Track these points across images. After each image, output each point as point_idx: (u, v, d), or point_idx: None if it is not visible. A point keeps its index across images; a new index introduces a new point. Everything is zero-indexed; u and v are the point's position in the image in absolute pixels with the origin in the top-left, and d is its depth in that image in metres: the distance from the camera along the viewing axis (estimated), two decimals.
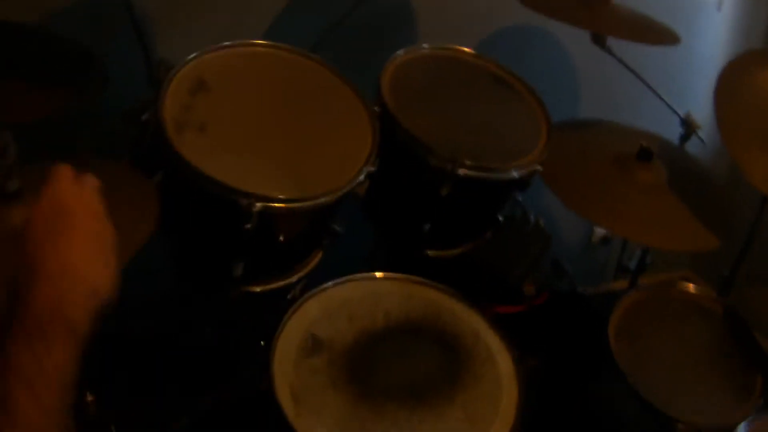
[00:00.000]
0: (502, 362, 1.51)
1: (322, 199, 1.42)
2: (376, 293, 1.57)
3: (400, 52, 1.81)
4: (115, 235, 0.85)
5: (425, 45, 1.89)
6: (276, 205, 1.38)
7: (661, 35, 2.04)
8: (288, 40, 1.70)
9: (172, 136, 1.41)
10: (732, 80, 1.86)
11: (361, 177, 1.47)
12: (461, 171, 1.59)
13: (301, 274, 1.61)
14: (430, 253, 1.78)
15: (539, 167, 1.70)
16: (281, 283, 1.59)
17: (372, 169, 1.49)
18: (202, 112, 1.49)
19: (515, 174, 1.66)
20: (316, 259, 1.64)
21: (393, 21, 2.18)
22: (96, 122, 1.77)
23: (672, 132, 2.11)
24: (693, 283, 1.97)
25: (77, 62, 1.66)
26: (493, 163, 1.65)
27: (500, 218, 1.82)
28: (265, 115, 1.56)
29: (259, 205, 1.36)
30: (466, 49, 1.94)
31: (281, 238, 1.50)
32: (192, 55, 1.56)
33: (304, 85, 1.65)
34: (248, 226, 1.38)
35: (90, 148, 1.78)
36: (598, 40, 2.03)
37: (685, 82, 2.82)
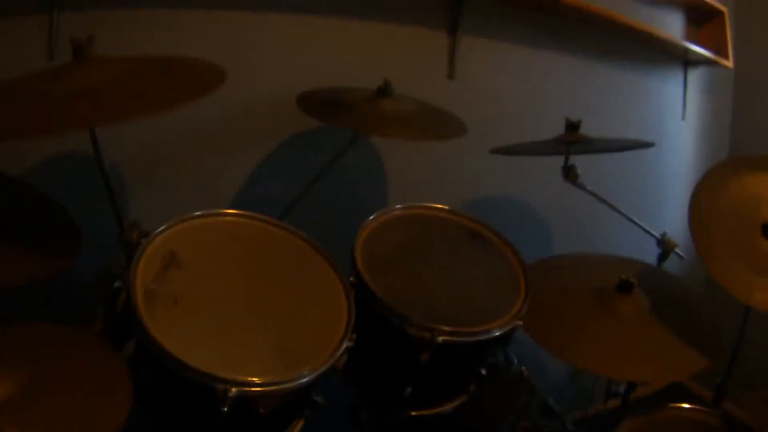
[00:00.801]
0: None
1: (302, 380, 1.39)
2: None
3: (372, 217, 1.82)
4: None
5: (396, 206, 1.89)
6: (253, 389, 1.35)
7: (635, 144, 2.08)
8: (258, 207, 1.70)
9: (143, 311, 1.38)
10: (704, 194, 1.90)
11: (340, 353, 1.45)
12: (440, 338, 1.57)
13: None
14: (413, 413, 1.74)
15: (520, 323, 1.68)
16: None
17: (350, 344, 1.47)
18: (175, 285, 1.47)
19: (496, 333, 1.65)
20: (297, 428, 1.58)
21: (363, 184, 2.20)
22: (68, 282, 1.73)
23: (650, 251, 2.12)
24: (687, 388, 1.93)
25: (52, 220, 1.65)
26: (472, 326, 1.63)
27: (483, 371, 1.78)
28: (239, 289, 1.54)
29: (234, 390, 1.32)
30: (438, 206, 1.95)
31: (260, 414, 1.45)
32: (162, 227, 1.55)
33: (276, 256, 1.64)
34: (224, 409, 1.33)
35: (62, 309, 1.74)
36: (569, 175, 2.06)
37: (657, 199, 2.86)
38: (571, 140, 2.08)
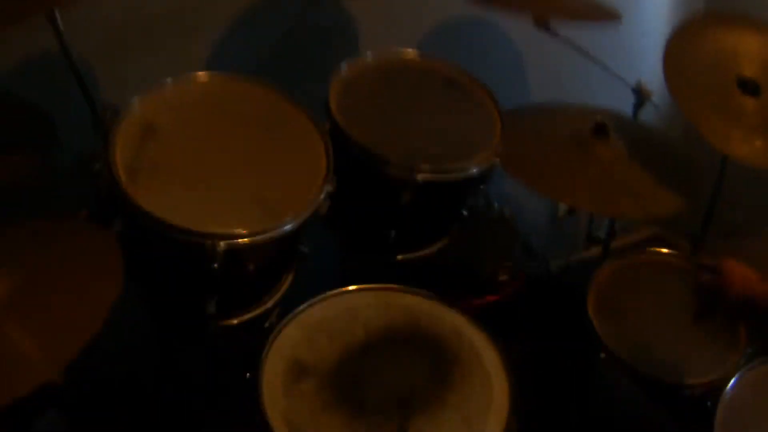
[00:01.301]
0: (488, 356, 1.52)
1: (286, 227, 1.42)
2: (352, 307, 1.57)
3: (344, 64, 1.80)
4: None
5: (369, 53, 1.87)
6: (240, 240, 1.37)
7: (603, 13, 2.05)
8: (229, 65, 1.68)
9: (126, 184, 1.39)
10: (679, 44, 1.89)
11: (321, 197, 1.47)
12: (420, 176, 1.59)
13: (275, 299, 1.61)
14: (399, 257, 1.78)
15: (497, 160, 1.70)
16: (257, 312, 1.59)
17: (330, 188, 1.49)
18: (154, 155, 1.47)
19: (474, 170, 1.67)
20: (288, 282, 1.63)
21: (333, 33, 2.16)
22: (46, 176, 1.74)
23: (626, 103, 2.13)
24: (665, 241, 1.99)
25: (25, 119, 1.65)
26: (451, 163, 1.65)
27: (464, 213, 1.81)
28: (217, 148, 1.54)
29: (223, 243, 1.35)
30: (411, 52, 1.93)
31: (250, 270, 1.50)
32: (135, 98, 1.54)
33: (252, 111, 1.63)
34: (215, 265, 1.37)
35: (46, 203, 1.75)
36: (541, 23, 2.04)
37: (632, 51, 2.83)
38: None
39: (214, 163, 1.51)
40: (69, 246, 1.38)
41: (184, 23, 1.88)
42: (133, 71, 1.82)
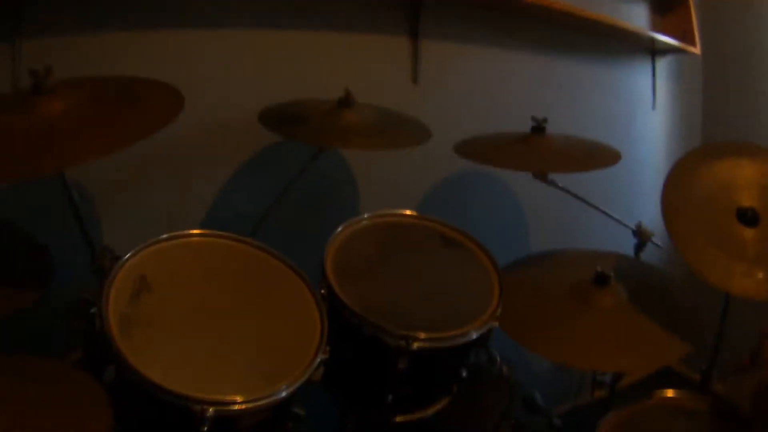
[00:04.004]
0: None
1: (279, 396, 1.40)
2: None
3: (341, 227, 1.81)
4: None
5: (365, 215, 1.89)
6: (230, 408, 1.35)
7: (603, 159, 2.08)
8: (226, 225, 1.70)
9: (117, 338, 1.38)
10: (676, 182, 1.91)
11: (315, 366, 1.45)
12: (416, 345, 1.57)
13: None
14: (398, 419, 1.74)
15: (496, 323, 1.68)
16: None
17: (324, 356, 1.47)
18: (147, 310, 1.46)
19: (473, 336, 1.65)
20: None
21: (331, 194, 2.19)
22: (39, 315, 1.73)
23: (626, 242, 2.13)
24: (676, 373, 1.93)
25: (24, 251, 1.65)
26: (448, 330, 1.63)
27: (464, 374, 1.78)
28: (211, 309, 1.53)
29: (212, 410, 1.32)
30: (407, 212, 1.94)
31: None
32: (130, 253, 1.54)
33: (246, 272, 1.64)
34: (204, 429, 1.34)
35: (36, 341, 1.74)
36: (540, 175, 2.06)
37: (630, 190, 2.86)
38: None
39: (207, 323, 1.50)
40: (55, 389, 1.35)
41: (181, 174, 1.91)
42: (130, 217, 1.85)
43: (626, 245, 2.15)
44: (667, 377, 2.23)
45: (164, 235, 1.61)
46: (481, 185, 2.47)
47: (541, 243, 2.60)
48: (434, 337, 1.61)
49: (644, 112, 3.12)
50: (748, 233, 1.84)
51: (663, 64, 3.17)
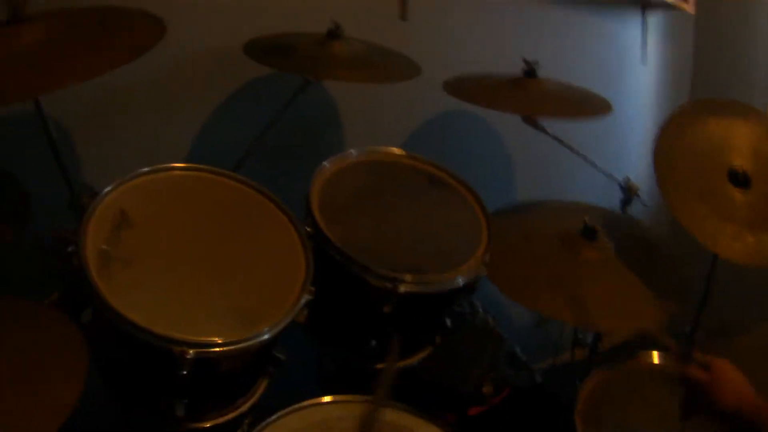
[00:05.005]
0: None
1: (262, 338, 1.36)
2: (325, 420, 1.50)
3: (327, 162, 1.77)
4: None
5: (352, 151, 1.84)
6: (212, 350, 1.31)
7: (594, 108, 2.04)
8: (211, 158, 1.65)
9: (95, 276, 1.34)
10: (669, 136, 1.87)
11: (299, 307, 1.41)
12: (402, 288, 1.54)
13: (248, 404, 1.53)
14: (379, 366, 1.70)
15: (484, 270, 1.65)
16: (230, 416, 1.51)
17: (309, 297, 1.44)
18: (127, 247, 1.42)
19: (460, 282, 1.62)
20: (262, 387, 1.56)
21: (318, 129, 2.14)
22: (14, 255, 1.68)
23: (613, 197, 2.11)
24: (652, 337, 1.92)
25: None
26: (435, 274, 1.60)
27: (448, 322, 1.75)
28: (192, 246, 1.49)
29: (192, 351, 1.28)
30: (396, 151, 1.90)
31: (222, 376, 1.43)
32: (110, 186, 1.49)
33: (230, 209, 1.59)
34: (183, 372, 1.30)
35: (15, 280, 1.69)
36: (530, 120, 2.02)
37: (618, 144, 2.84)
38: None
39: (189, 262, 1.46)
40: (32, 334, 1.31)
41: (163, 107, 1.86)
42: (111, 151, 1.80)
43: (612, 200, 2.12)
44: (647, 341, 2.23)
45: (145, 168, 1.56)
46: (467, 128, 2.43)
47: (527, 192, 2.58)
48: (422, 280, 1.58)
49: (634, 66, 3.08)
50: (739, 195, 1.81)
51: (655, 19, 3.12)
